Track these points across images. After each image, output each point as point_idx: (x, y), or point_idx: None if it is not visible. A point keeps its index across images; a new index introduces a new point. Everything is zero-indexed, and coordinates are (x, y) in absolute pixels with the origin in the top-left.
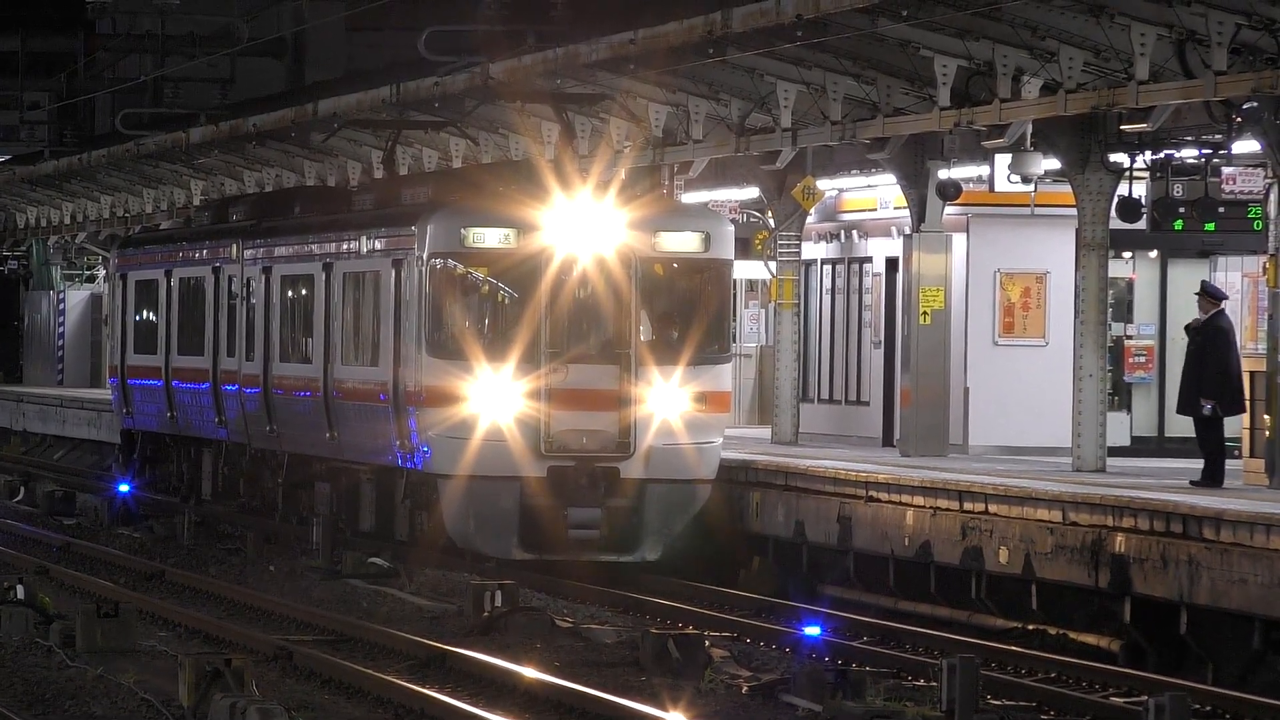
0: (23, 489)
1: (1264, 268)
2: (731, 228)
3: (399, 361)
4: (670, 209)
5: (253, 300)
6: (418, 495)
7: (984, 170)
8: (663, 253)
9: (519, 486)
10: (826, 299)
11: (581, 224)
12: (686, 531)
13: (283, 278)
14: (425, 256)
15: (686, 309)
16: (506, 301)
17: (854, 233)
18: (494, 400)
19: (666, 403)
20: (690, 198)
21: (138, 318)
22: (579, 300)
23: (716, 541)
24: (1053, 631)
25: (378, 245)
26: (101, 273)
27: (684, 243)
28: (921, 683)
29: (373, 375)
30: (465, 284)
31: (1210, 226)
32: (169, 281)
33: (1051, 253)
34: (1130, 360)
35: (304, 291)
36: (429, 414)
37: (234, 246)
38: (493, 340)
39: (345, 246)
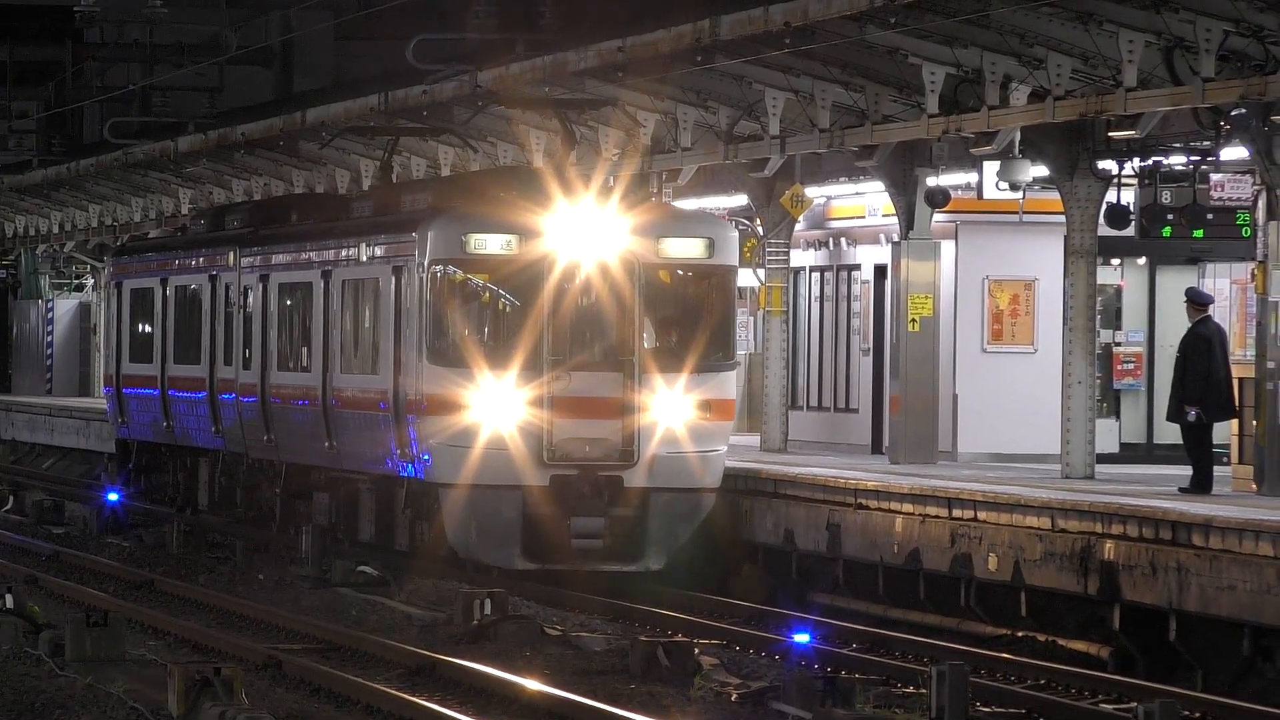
0: (11, 498)
1: (1252, 274)
2: (735, 234)
3: (399, 369)
4: (673, 215)
5: (250, 308)
6: (418, 505)
7: (972, 177)
8: (666, 259)
9: (521, 496)
10: (815, 306)
11: (584, 230)
12: (691, 541)
13: (280, 285)
14: (426, 263)
15: (690, 316)
16: (508, 308)
17: (842, 240)
18: (496, 408)
19: (670, 410)
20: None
21: (133, 326)
22: (582, 307)
23: (708, 549)
24: (1042, 638)
25: (377, 252)
26: (90, 282)
27: (688, 249)
28: (911, 690)
29: (372, 383)
30: (466, 291)
31: (1198, 234)
32: (165, 290)
33: (1040, 260)
34: (1119, 367)
35: (302, 299)
36: (430, 422)
37: (231, 254)
38: (494, 347)
39: (344, 253)
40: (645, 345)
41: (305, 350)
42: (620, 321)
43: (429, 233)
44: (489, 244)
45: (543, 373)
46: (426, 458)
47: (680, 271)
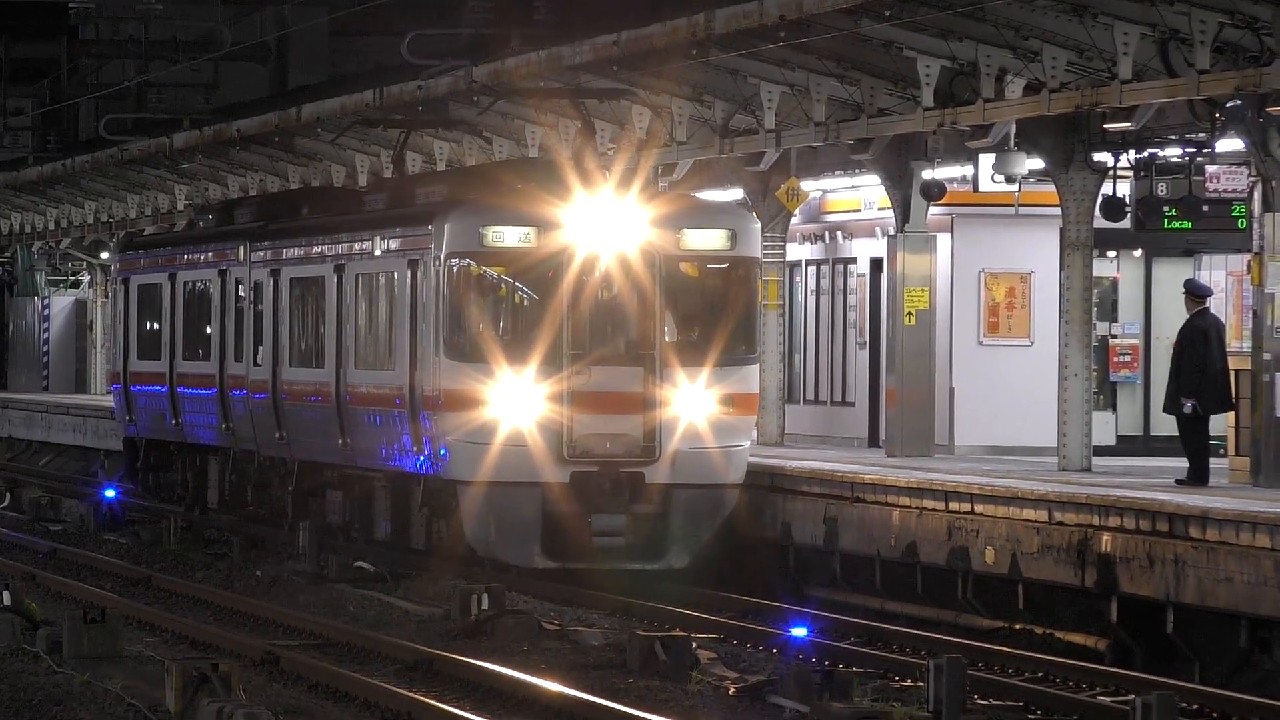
0: (8, 495)
1: (1248, 266)
2: (758, 224)
3: (415, 365)
4: (695, 206)
5: (261, 304)
6: (436, 502)
7: (968, 170)
8: (687, 251)
9: (541, 493)
10: (811, 300)
11: (603, 222)
12: (714, 538)
13: (292, 280)
14: (443, 256)
15: (712, 309)
16: (527, 302)
17: (838, 234)
18: (515, 404)
19: (693, 405)
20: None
21: (141, 323)
22: (602, 300)
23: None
24: (1039, 631)
25: (392, 246)
26: (86, 278)
27: (709, 240)
28: (909, 683)
29: (388, 379)
30: (484, 284)
31: (1187, 225)
32: (173, 285)
33: (1036, 252)
34: (1115, 359)
35: (314, 294)
36: (447, 418)
37: (241, 249)
38: (513, 342)
39: (357, 247)
40: (666, 339)
41: (318, 346)
42: (641, 315)
43: (445, 225)
44: (507, 236)
45: (562, 367)
46: (444, 454)
47: (701, 263)
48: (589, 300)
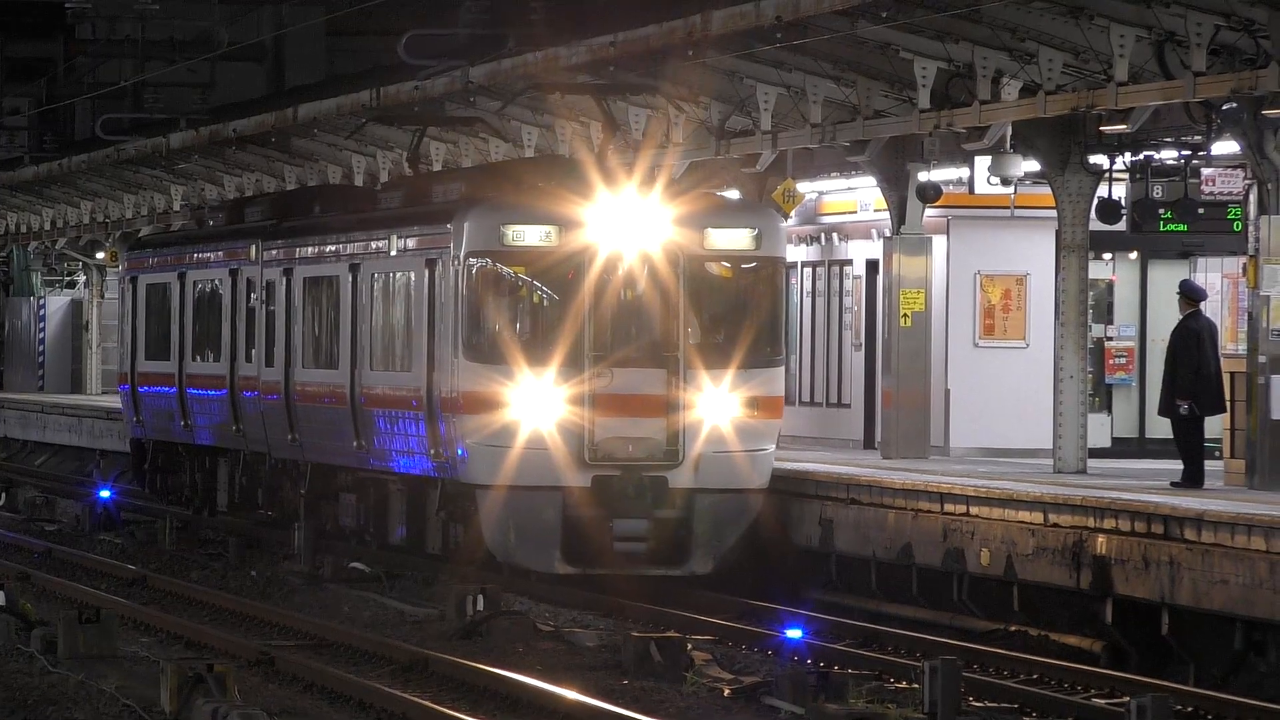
0: (4, 495)
1: (1244, 268)
2: (783, 224)
3: (433, 366)
4: (719, 204)
5: (273, 303)
6: (453, 507)
7: (964, 172)
8: (712, 250)
9: (562, 497)
10: (807, 301)
11: (626, 221)
12: (739, 544)
13: (305, 280)
14: (462, 256)
15: (737, 310)
16: (548, 302)
17: (834, 235)
18: (535, 406)
19: (717, 408)
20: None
21: (149, 322)
22: (624, 301)
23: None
24: (1034, 633)
25: (409, 244)
26: (82, 278)
27: (734, 240)
28: (903, 685)
29: (405, 381)
30: (504, 284)
31: (1183, 227)
32: (183, 284)
33: (1031, 254)
34: (1111, 361)
35: (328, 294)
36: (466, 421)
37: (253, 248)
38: (533, 343)
39: (373, 246)
40: (690, 340)
41: (332, 347)
42: (664, 316)
43: (465, 224)
44: (528, 235)
45: (584, 369)
46: (462, 457)
47: (726, 263)
48: (611, 301)
